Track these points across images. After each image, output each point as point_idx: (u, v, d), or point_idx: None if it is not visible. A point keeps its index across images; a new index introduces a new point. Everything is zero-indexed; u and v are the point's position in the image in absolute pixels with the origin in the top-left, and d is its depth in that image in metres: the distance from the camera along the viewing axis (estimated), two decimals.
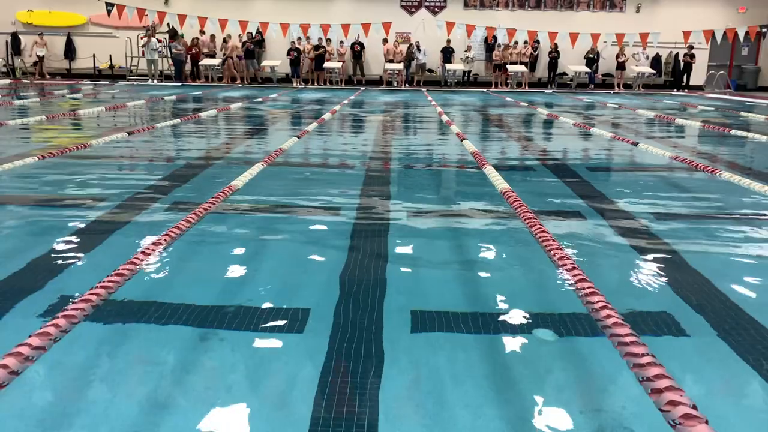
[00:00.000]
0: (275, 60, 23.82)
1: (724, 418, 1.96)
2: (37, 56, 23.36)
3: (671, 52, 24.90)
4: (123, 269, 2.89)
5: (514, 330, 2.66)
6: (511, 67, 23.53)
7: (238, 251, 3.63)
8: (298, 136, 8.13)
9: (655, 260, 3.57)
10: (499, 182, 5.27)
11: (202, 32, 23.10)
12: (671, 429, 1.78)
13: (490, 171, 5.85)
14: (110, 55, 24.60)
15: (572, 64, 23.93)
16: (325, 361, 2.35)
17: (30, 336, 2.10)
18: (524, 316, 2.79)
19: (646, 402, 1.97)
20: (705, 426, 1.66)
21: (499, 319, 2.77)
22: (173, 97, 15.96)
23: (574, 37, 22.74)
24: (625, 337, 2.23)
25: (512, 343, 2.55)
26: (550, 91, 22.77)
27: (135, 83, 21.97)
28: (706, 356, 2.54)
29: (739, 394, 2.26)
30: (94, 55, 24.22)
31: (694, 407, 1.78)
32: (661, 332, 2.67)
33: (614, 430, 1.98)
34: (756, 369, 2.37)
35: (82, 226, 4.07)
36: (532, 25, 23.81)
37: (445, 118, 11.44)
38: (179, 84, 21.96)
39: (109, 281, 2.69)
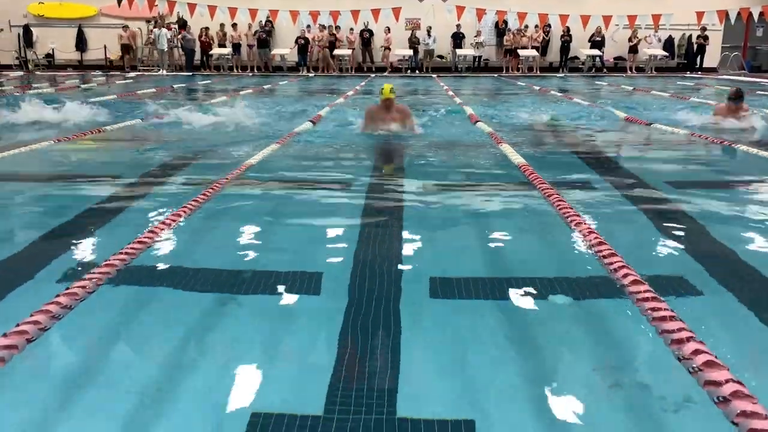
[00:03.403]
0: (285, 48, 23.81)
1: (741, 368, 1.96)
2: (122, 46, 23.35)
3: (684, 34, 24.59)
4: (144, 237, 2.94)
5: (532, 293, 2.68)
6: (522, 52, 23.37)
7: (255, 222, 3.66)
8: (312, 121, 8.15)
9: (668, 225, 3.57)
10: (515, 157, 5.28)
11: (220, 27, 23.12)
12: (685, 381, 1.79)
13: (506, 148, 5.86)
14: (121, 46, 24.66)
15: (584, 48, 23.71)
16: (342, 323, 2.38)
17: (58, 295, 2.15)
18: (541, 280, 2.80)
19: (661, 358, 1.98)
20: (726, 371, 1.68)
21: (517, 282, 2.79)
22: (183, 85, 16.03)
23: (585, 20, 22.51)
24: (644, 293, 2.25)
25: (530, 305, 2.57)
26: (562, 75, 22.60)
27: (146, 73, 22.04)
28: (720, 314, 2.54)
29: (755, 349, 2.27)
30: (105, 46, 24.31)
31: (715, 356, 1.80)
32: (676, 293, 2.67)
33: (630, 386, 2.00)
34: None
35: (106, 199, 4.14)
36: (543, 8, 23.57)
37: (458, 100, 11.43)
38: (190, 74, 22.01)
39: (131, 248, 2.74)
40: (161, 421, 1.84)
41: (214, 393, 1.96)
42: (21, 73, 21.82)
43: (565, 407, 1.88)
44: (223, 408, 1.88)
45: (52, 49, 24.58)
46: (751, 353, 2.25)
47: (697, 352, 1.80)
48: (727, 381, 1.65)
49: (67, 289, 2.21)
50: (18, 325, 1.92)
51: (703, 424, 1.77)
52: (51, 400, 1.93)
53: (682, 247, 3.24)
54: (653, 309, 2.08)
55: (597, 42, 23.50)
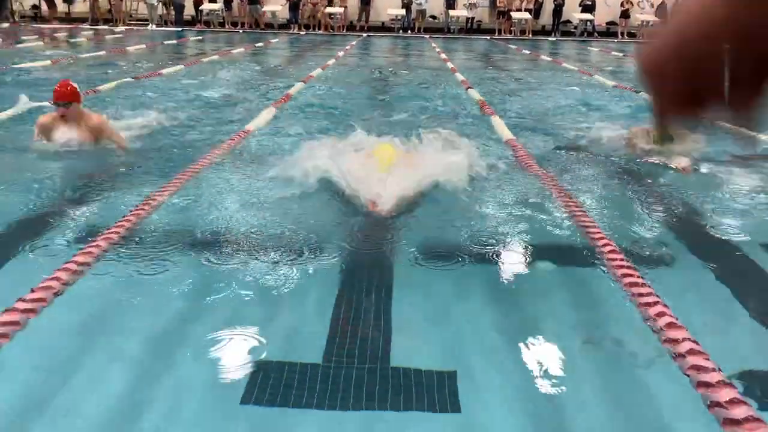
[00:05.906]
0: (276, 5, 23.47)
1: (700, 330, 2.17)
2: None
3: None
4: (147, 202, 3.09)
5: (515, 259, 2.88)
6: (515, 14, 23.21)
7: (254, 187, 3.79)
8: (303, 81, 8.21)
9: (648, 199, 3.77)
10: (504, 132, 5.41)
11: None
12: (653, 342, 1.99)
13: (496, 120, 5.97)
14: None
15: (576, 12, 23.58)
16: (339, 282, 2.57)
17: (75, 254, 2.31)
18: (526, 248, 2.99)
19: (631, 318, 2.19)
20: (684, 331, 1.88)
21: (500, 248, 2.98)
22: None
23: None
24: (619, 262, 2.45)
25: (512, 270, 2.76)
26: (554, 39, 22.55)
27: (135, 28, 21.72)
28: (687, 280, 2.76)
29: (716, 315, 2.48)
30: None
31: (677, 318, 2.00)
32: (650, 262, 2.87)
33: (601, 339, 2.21)
34: (733, 291, 2.59)
35: (102, 165, 4.24)
36: None
37: (450, 65, 11.47)
38: (180, 29, 21.72)
39: (136, 212, 2.90)
40: (171, 368, 2.02)
41: (220, 343, 2.13)
42: (6, 25, 21.39)
43: (540, 361, 2.08)
44: (228, 357, 2.06)
45: (39, 0, 24.05)
46: (712, 317, 2.46)
47: (661, 314, 2.00)
48: (683, 339, 1.86)
49: (86, 247, 2.36)
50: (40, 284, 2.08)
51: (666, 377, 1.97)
52: (70, 348, 2.10)
53: (659, 220, 3.43)
54: (625, 275, 2.28)
55: (587, 6, 23.36)
